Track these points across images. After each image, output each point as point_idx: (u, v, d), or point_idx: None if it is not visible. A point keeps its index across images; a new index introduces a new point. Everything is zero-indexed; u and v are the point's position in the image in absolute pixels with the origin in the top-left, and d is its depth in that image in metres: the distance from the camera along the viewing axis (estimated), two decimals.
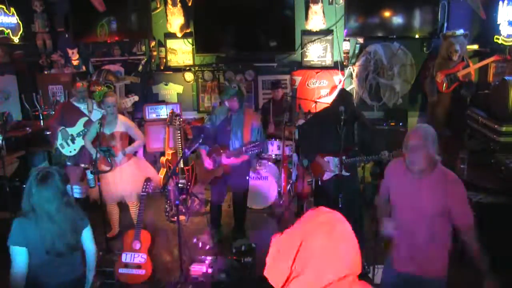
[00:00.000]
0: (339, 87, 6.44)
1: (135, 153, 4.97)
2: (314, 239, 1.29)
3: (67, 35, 6.77)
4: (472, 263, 2.46)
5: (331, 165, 3.97)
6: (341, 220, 1.35)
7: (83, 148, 4.86)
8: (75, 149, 4.92)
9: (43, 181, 2.36)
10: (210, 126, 4.47)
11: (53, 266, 2.44)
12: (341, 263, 1.28)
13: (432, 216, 2.39)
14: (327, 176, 4.02)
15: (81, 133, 4.84)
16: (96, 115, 4.90)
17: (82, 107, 4.97)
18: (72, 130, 4.87)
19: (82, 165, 4.85)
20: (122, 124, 4.49)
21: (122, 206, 4.81)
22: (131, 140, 4.64)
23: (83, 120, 4.90)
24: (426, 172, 2.39)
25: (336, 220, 1.35)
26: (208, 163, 4.35)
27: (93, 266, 2.70)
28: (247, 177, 4.56)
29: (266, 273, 1.36)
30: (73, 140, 4.89)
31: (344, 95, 4.04)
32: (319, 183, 4.13)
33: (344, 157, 3.81)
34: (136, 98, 5.89)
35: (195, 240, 4.59)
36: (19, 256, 2.34)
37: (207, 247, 4.48)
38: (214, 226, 4.69)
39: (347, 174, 3.90)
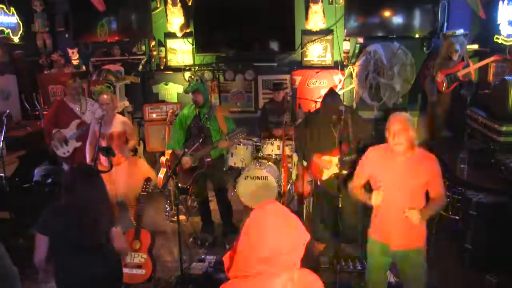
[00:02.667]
0: (339, 86, 6.45)
1: (135, 153, 4.98)
2: (248, 222, 1.49)
3: (67, 35, 6.78)
4: None
5: (328, 164, 3.98)
6: (277, 210, 1.50)
7: (76, 150, 4.85)
8: (68, 151, 4.91)
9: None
10: (177, 127, 4.56)
11: (82, 259, 2.52)
12: (268, 245, 1.42)
13: (416, 190, 2.77)
14: (326, 175, 4.03)
15: (73, 135, 4.82)
16: (89, 116, 4.89)
17: (76, 108, 4.95)
18: (65, 132, 4.85)
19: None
20: (119, 122, 4.49)
21: (122, 206, 4.81)
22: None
23: (76, 122, 4.88)
24: (407, 153, 2.74)
25: (271, 209, 1.50)
26: (186, 161, 4.37)
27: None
28: (224, 169, 4.75)
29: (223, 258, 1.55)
30: (66, 142, 4.87)
31: (334, 93, 4.08)
32: (319, 183, 4.13)
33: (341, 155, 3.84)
34: (126, 103, 5.90)
35: (191, 239, 4.61)
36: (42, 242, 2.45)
37: (207, 243, 4.50)
38: (206, 223, 4.78)
39: (345, 172, 3.91)
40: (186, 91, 4.60)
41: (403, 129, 2.68)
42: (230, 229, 4.65)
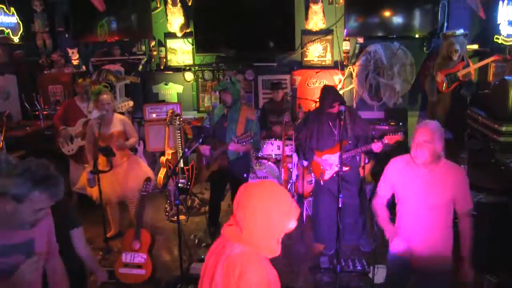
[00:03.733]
0: (339, 86, 6.45)
1: (135, 152, 4.98)
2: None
3: (67, 35, 6.78)
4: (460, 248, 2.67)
5: (329, 163, 3.98)
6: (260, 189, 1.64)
7: (81, 148, 4.87)
8: (72, 149, 4.94)
9: None
10: (209, 125, 4.53)
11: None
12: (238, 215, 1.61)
13: (440, 206, 2.56)
14: (328, 175, 4.03)
15: (79, 133, 4.85)
16: (95, 115, 4.90)
17: (83, 107, 5.00)
18: (72, 130, 4.90)
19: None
20: (119, 122, 4.50)
21: (122, 206, 4.81)
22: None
23: (82, 120, 4.92)
24: (431, 165, 2.55)
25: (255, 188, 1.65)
26: (204, 149, 4.39)
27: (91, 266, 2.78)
28: (245, 175, 4.60)
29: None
30: (71, 140, 4.90)
31: (330, 90, 4.04)
32: (321, 182, 4.13)
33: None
34: (131, 103, 5.91)
35: (192, 237, 4.60)
36: None
37: (204, 244, 4.50)
38: (212, 223, 4.73)
39: (347, 168, 3.91)
40: (214, 89, 4.57)
41: (427, 140, 2.49)
42: None
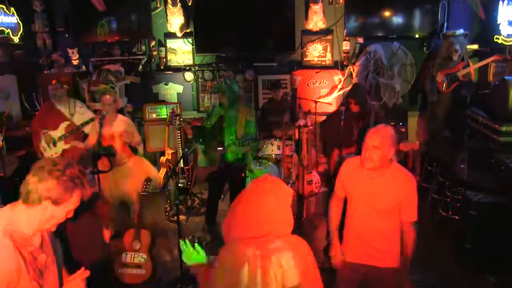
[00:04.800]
0: (339, 86, 6.45)
1: (135, 152, 4.97)
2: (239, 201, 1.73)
3: (67, 35, 6.77)
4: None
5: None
6: (265, 188, 1.71)
7: (64, 151, 4.83)
8: (56, 153, 4.88)
9: None
10: (208, 126, 4.54)
11: None
12: (257, 224, 1.66)
13: (388, 210, 2.54)
14: None
15: (62, 137, 4.79)
16: (79, 118, 4.85)
17: (63, 110, 4.91)
18: (54, 133, 4.83)
19: None
20: (121, 122, 4.49)
21: (122, 206, 4.81)
22: None
23: (64, 124, 4.85)
24: (381, 169, 2.53)
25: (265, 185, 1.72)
26: None
27: None
28: (243, 175, 4.61)
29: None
30: (54, 144, 4.84)
31: (353, 90, 4.07)
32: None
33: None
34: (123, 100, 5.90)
35: (190, 237, 4.60)
36: None
37: (204, 243, 4.50)
38: (210, 223, 4.74)
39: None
40: (211, 91, 4.59)
41: (377, 146, 2.46)
42: None
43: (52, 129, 4.83)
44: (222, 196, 4.92)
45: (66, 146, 4.85)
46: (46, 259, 1.87)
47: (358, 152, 3.70)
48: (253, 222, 1.67)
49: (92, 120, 4.59)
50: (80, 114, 4.92)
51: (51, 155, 4.88)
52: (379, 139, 2.46)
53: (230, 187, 4.72)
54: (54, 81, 4.93)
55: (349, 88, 6.43)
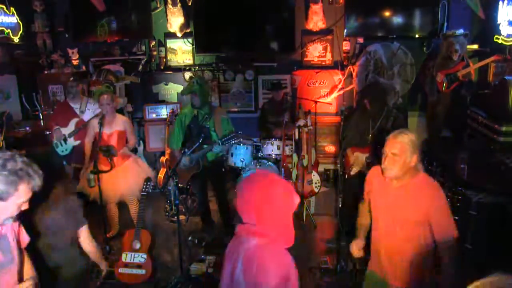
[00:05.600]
0: (339, 86, 6.44)
1: (135, 152, 4.98)
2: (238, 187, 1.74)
3: (67, 35, 6.77)
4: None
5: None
6: (266, 179, 1.68)
7: (74, 148, 4.87)
8: (66, 149, 4.93)
9: None
10: (176, 127, 4.56)
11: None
12: (249, 210, 1.65)
13: (413, 224, 2.32)
14: (354, 171, 4.05)
15: (71, 134, 4.84)
16: (88, 115, 4.91)
17: (76, 107, 4.99)
18: (65, 130, 4.89)
19: (73, 165, 4.90)
20: (120, 122, 4.50)
21: (122, 206, 4.81)
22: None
23: (74, 120, 4.91)
24: (404, 179, 2.33)
25: (257, 178, 1.70)
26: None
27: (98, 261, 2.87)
28: (223, 170, 4.73)
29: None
30: (65, 140, 4.89)
31: (368, 89, 4.02)
32: (346, 176, 4.15)
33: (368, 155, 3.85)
34: (119, 100, 5.90)
35: (189, 238, 4.61)
36: None
37: (204, 243, 4.51)
38: (205, 223, 4.80)
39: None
40: (182, 93, 4.61)
41: (395, 153, 2.28)
42: (230, 229, 4.63)
43: (63, 126, 4.89)
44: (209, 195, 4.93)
45: (76, 143, 4.89)
46: (1, 258, 1.85)
47: (375, 156, 3.64)
48: (241, 206, 1.68)
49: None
50: (92, 111, 4.97)
51: (62, 152, 4.94)
52: (398, 145, 2.28)
53: (212, 183, 4.73)
54: (71, 78, 5.01)
55: (349, 88, 6.46)
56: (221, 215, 4.78)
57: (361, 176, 3.94)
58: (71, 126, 4.92)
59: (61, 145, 4.93)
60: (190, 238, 4.64)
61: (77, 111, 5.00)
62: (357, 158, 4.01)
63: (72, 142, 4.93)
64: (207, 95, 4.49)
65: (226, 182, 5.11)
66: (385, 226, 2.42)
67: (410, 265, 2.37)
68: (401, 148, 2.27)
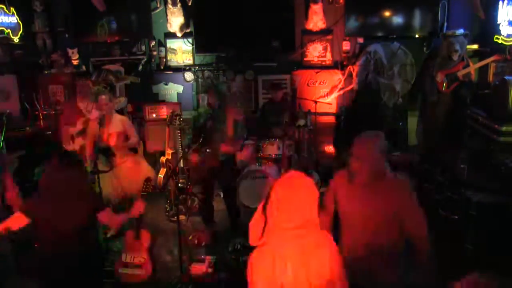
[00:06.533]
0: (339, 86, 6.44)
1: (135, 152, 4.97)
2: (276, 191, 1.75)
3: (67, 35, 6.77)
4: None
5: None
6: (300, 181, 1.77)
7: (82, 147, 4.87)
8: (75, 148, 4.94)
9: None
10: (196, 125, 4.59)
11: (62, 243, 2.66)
12: (296, 213, 1.71)
13: (384, 225, 2.27)
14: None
15: (78, 133, 4.85)
16: (94, 115, 4.91)
17: (83, 106, 5.00)
18: (73, 130, 4.90)
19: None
20: (118, 122, 4.50)
21: (122, 206, 4.81)
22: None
23: (81, 120, 4.91)
24: (374, 182, 2.26)
25: (295, 179, 1.78)
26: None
27: None
28: (233, 172, 4.72)
29: (250, 224, 1.84)
30: (73, 139, 4.91)
31: (362, 90, 4.02)
32: None
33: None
34: (122, 99, 5.91)
35: (190, 237, 4.61)
36: None
37: (203, 244, 4.51)
38: (207, 223, 4.78)
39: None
40: (198, 92, 4.59)
41: (361, 158, 2.21)
42: (234, 233, 4.61)
43: (72, 125, 4.90)
44: (215, 195, 4.94)
45: (83, 142, 4.90)
46: None
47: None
48: (289, 211, 1.72)
49: None
50: (95, 111, 4.98)
51: (71, 150, 4.96)
52: (364, 150, 2.22)
53: (222, 185, 4.75)
54: (82, 80, 5.13)
55: (349, 88, 6.46)
56: (229, 215, 4.78)
57: None
58: (79, 126, 4.93)
59: (69, 144, 4.95)
60: (190, 237, 4.64)
61: (84, 111, 5.00)
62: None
63: (80, 141, 4.93)
64: (221, 96, 4.50)
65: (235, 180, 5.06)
66: (357, 232, 2.35)
67: (384, 267, 2.34)
68: (368, 152, 2.21)
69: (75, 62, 6.71)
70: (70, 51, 6.67)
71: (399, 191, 2.29)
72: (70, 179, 2.66)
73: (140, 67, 6.64)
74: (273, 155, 5.43)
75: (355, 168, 2.26)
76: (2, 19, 6.19)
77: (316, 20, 6.22)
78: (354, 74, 6.38)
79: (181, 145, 4.93)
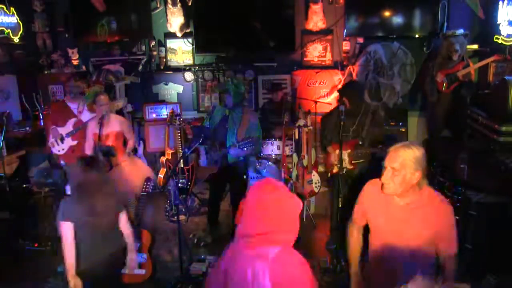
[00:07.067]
0: (339, 86, 6.44)
1: (135, 152, 4.98)
2: (248, 198, 1.71)
3: (67, 35, 6.77)
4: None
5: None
6: (275, 189, 1.69)
7: (71, 148, 4.86)
8: (63, 149, 4.92)
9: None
10: (209, 126, 4.52)
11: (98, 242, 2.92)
12: (256, 222, 1.65)
13: (419, 244, 2.17)
14: (335, 169, 4.06)
15: (69, 133, 4.83)
16: (86, 115, 4.90)
17: (74, 107, 4.97)
18: (62, 130, 4.88)
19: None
20: (116, 122, 4.50)
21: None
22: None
23: (72, 120, 4.90)
24: (408, 195, 2.16)
25: (265, 188, 1.70)
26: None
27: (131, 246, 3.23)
28: (244, 176, 4.64)
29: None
30: (62, 140, 4.89)
31: (345, 89, 4.07)
32: (329, 175, 4.16)
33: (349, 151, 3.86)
34: (120, 104, 5.90)
35: (191, 236, 4.61)
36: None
37: (203, 243, 4.50)
38: (212, 223, 4.75)
39: (351, 167, 3.92)
40: (216, 89, 4.56)
41: (395, 168, 2.08)
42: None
43: (61, 125, 4.88)
44: (223, 197, 4.92)
45: (73, 143, 4.89)
46: None
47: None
48: (255, 217, 1.68)
49: None
50: (88, 112, 4.97)
51: (58, 151, 4.94)
52: (399, 160, 2.08)
53: (231, 188, 4.72)
54: (69, 79, 5.03)
55: None
56: (233, 216, 4.73)
57: (348, 172, 4.00)
58: (69, 126, 4.90)
59: (58, 144, 4.92)
60: (191, 236, 4.64)
61: (75, 111, 4.98)
62: (338, 155, 4.03)
63: (69, 142, 4.92)
64: (240, 96, 4.44)
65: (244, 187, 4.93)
66: (389, 247, 2.22)
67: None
68: (402, 162, 2.08)
69: (75, 62, 6.71)
70: (70, 51, 6.68)
71: (439, 209, 2.17)
72: (100, 180, 2.88)
73: (140, 67, 6.64)
74: (273, 155, 5.44)
75: (386, 179, 2.13)
76: (2, 19, 6.18)
77: (316, 20, 6.22)
78: (354, 74, 6.38)
79: (181, 145, 4.93)
